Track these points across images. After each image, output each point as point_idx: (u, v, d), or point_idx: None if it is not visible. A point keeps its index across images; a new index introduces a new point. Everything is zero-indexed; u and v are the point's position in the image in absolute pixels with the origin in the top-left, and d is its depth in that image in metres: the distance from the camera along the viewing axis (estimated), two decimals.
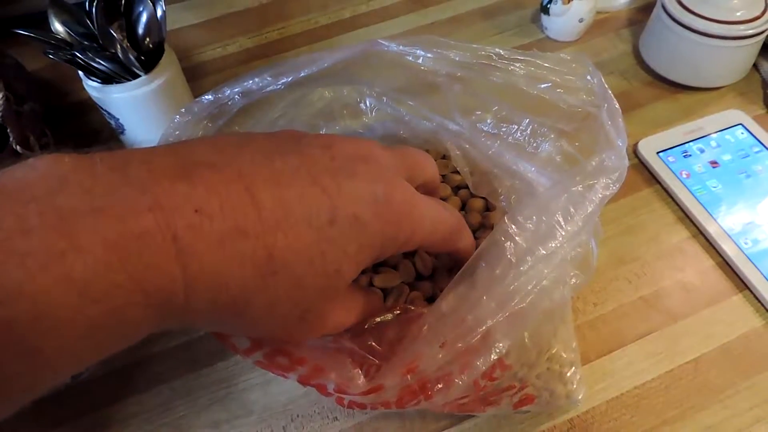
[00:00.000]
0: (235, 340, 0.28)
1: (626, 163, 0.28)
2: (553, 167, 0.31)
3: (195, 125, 0.32)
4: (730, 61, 0.57)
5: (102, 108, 0.52)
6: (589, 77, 0.30)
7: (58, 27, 0.50)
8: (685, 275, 0.48)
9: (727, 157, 0.53)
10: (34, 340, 0.17)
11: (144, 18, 0.50)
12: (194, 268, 0.19)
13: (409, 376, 0.26)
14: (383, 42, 0.31)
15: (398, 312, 0.29)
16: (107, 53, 0.48)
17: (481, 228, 0.37)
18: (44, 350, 0.17)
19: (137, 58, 0.50)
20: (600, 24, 0.67)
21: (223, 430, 0.43)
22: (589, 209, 0.26)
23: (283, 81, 0.30)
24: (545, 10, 0.63)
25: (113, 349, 0.19)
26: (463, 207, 0.38)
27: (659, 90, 0.60)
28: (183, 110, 0.31)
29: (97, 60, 0.47)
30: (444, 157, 0.36)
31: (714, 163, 0.53)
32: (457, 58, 0.30)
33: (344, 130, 0.36)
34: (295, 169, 0.22)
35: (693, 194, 0.51)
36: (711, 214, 0.49)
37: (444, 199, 0.37)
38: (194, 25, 0.70)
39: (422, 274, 0.34)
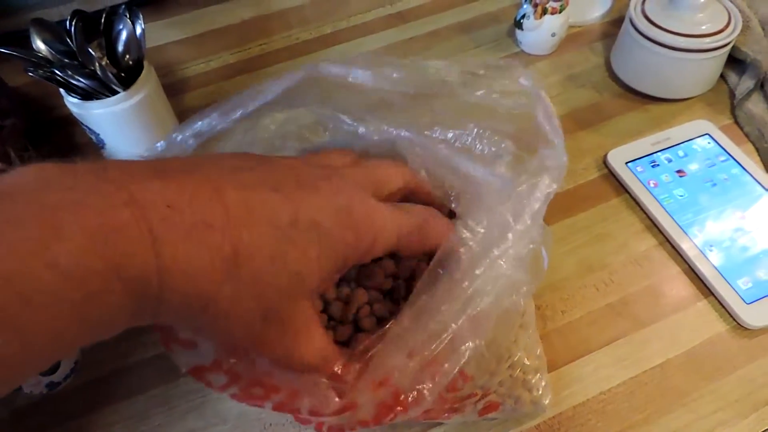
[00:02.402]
0: (211, 377, 0.29)
1: (565, 160, 0.29)
2: (500, 168, 0.32)
3: None
4: (697, 73, 0.59)
5: (83, 123, 0.53)
6: (523, 80, 0.31)
7: (39, 45, 0.51)
8: (652, 282, 0.49)
9: (693, 167, 0.54)
10: (22, 320, 0.18)
11: (123, 36, 0.52)
12: (167, 256, 0.21)
13: (381, 390, 0.27)
14: (322, 65, 0.33)
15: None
16: (87, 70, 0.49)
17: None
18: (31, 330, 0.19)
19: (117, 75, 0.51)
20: (573, 37, 0.69)
21: None
22: (536, 207, 0.27)
23: (232, 118, 0.32)
24: (519, 24, 0.65)
25: (94, 336, 0.21)
26: None
27: (629, 101, 0.62)
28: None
29: (77, 77, 0.49)
30: None
31: (681, 173, 0.54)
32: (395, 75, 0.32)
33: (300, 149, 0.37)
34: (260, 180, 0.25)
35: (660, 203, 0.52)
36: (677, 223, 0.50)
37: None
38: (177, 42, 0.71)
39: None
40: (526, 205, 0.27)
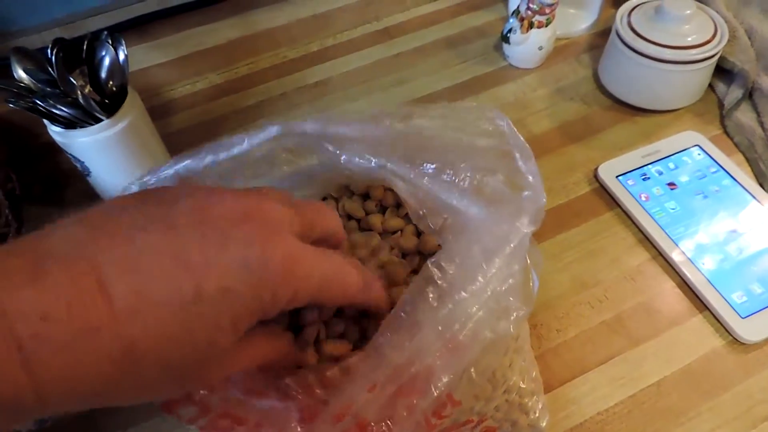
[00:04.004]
0: (182, 409, 0.29)
1: (543, 201, 0.29)
2: (482, 200, 0.32)
3: None
4: (685, 85, 0.58)
5: (67, 152, 0.52)
6: (499, 122, 0.31)
7: (20, 74, 0.50)
8: (646, 298, 0.48)
9: (684, 179, 0.54)
10: None
11: (106, 62, 0.51)
12: (42, 373, 0.19)
13: (340, 423, 0.27)
14: (297, 123, 0.32)
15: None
16: (69, 99, 0.49)
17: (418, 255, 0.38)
18: None
19: (101, 102, 0.50)
20: (561, 50, 0.69)
21: None
22: (510, 248, 0.27)
23: (204, 164, 0.31)
24: (505, 39, 0.65)
25: None
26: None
27: (618, 113, 0.62)
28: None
29: (59, 107, 0.48)
30: (386, 189, 0.38)
31: (672, 185, 0.54)
32: (371, 132, 0.31)
33: (289, 172, 0.36)
34: (156, 246, 0.22)
35: (652, 217, 0.51)
36: (669, 236, 0.50)
37: (394, 232, 0.38)
38: (162, 64, 0.71)
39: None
40: (500, 247, 0.27)
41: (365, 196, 0.40)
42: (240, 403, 0.28)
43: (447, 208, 0.31)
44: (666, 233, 0.50)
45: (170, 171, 0.30)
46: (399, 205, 0.38)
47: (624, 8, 0.60)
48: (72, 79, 0.47)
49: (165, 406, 0.29)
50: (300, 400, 0.28)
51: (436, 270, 0.27)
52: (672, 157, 0.56)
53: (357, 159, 0.33)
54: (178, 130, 0.66)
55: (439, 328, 0.26)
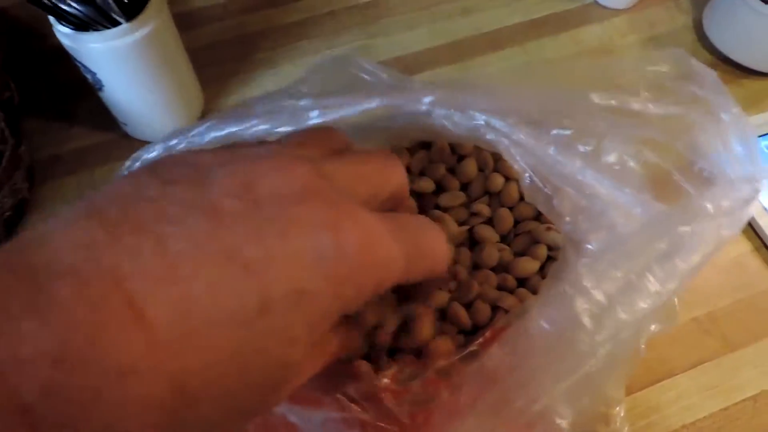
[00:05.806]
0: None
1: (759, 195, 0.21)
2: (631, 181, 0.24)
3: None
4: None
5: (76, 59, 0.44)
6: (707, 80, 0.23)
7: None
8: (746, 295, 0.42)
9: None
10: None
11: None
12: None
13: None
14: (450, 95, 0.23)
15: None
16: None
17: (532, 244, 0.31)
18: None
19: (119, 2, 0.42)
20: None
21: None
22: (696, 260, 0.20)
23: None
24: None
25: None
26: None
27: (722, 73, 0.52)
28: None
29: (69, 1, 0.39)
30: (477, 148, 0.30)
31: None
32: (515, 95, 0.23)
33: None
34: (199, 244, 0.15)
35: (759, 201, 0.44)
36: None
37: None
38: None
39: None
40: (682, 257, 0.20)
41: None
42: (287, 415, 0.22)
43: (578, 184, 0.23)
44: None
45: (220, 134, 0.22)
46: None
47: None
48: None
49: None
50: (363, 415, 0.22)
51: (589, 278, 0.20)
52: None
53: (455, 117, 0.25)
54: (205, 44, 0.57)
55: (581, 357, 0.19)
